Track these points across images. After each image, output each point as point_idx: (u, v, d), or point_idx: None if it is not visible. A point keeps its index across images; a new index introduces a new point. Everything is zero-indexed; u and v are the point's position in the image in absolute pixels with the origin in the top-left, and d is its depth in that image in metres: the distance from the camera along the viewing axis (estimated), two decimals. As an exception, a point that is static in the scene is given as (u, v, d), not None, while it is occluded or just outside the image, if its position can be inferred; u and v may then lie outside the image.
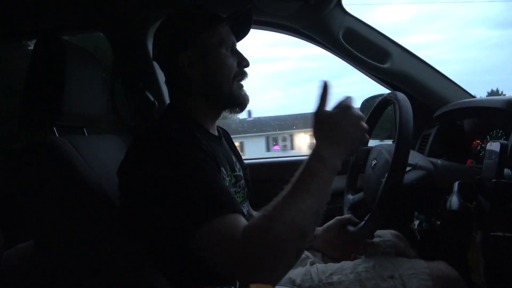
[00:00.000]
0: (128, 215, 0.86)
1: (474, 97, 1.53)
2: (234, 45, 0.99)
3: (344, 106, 0.80)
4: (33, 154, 0.90)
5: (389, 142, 1.52)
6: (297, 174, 0.74)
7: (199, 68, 0.93)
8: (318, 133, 0.80)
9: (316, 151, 0.77)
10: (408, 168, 0.96)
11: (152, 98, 1.51)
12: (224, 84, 0.94)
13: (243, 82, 0.99)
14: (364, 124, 0.81)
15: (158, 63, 1.02)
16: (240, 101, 0.98)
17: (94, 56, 1.17)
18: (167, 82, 1.02)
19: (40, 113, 0.99)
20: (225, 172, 0.91)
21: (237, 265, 0.66)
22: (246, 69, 0.99)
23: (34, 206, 0.89)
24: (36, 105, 0.98)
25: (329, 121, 0.79)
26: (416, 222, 1.24)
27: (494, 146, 0.80)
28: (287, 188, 0.73)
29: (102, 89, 1.20)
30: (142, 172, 0.78)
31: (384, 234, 1.20)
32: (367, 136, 0.84)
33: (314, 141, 0.79)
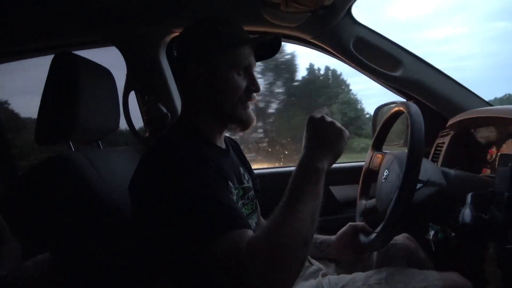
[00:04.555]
0: (139, 228, 0.87)
1: (490, 104, 1.50)
2: (250, 67, 0.97)
3: (329, 118, 0.87)
4: (49, 169, 0.93)
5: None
6: (290, 183, 0.78)
7: (204, 83, 0.93)
8: (310, 136, 0.84)
9: (306, 158, 0.81)
10: (419, 185, 0.95)
11: (165, 110, 1.53)
12: (226, 104, 0.94)
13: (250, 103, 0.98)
14: (346, 137, 0.87)
15: (171, 68, 1.02)
16: (242, 121, 0.96)
17: (108, 70, 1.20)
18: (179, 90, 1.03)
19: (56, 128, 1.02)
20: (232, 185, 0.91)
21: (244, 279, 0.67)
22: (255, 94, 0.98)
23: (49, 219, 0.92)
24: (53, 120, 1.02)
25: (321, 125, 0.84)
26: (431, 233, 1.23)
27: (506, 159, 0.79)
28: (284, 198, 0.76)
29: (115, 103, 1.23)
30: (151, 188, 0.79)
31: (395, 237, 1.19)
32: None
33: (304, 147, 0.84)
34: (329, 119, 0.85)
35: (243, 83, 0.94)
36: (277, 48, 1.03)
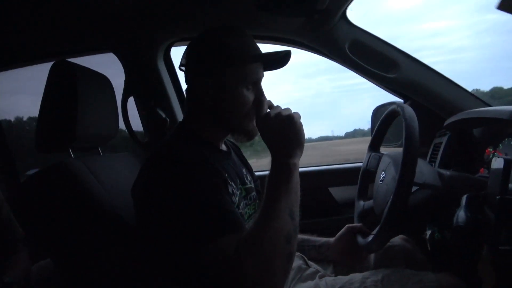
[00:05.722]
0: (141, 232, 0.89)
1: (488, 104, 1.50)
2: (259, 81, 0.96)
3: (273, 111, 0.85)
4: (48, 177, 0.94)
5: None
6: (265, 185, 0.79)
7: (212, 96, 0.93)
8: (266, 138, 0.85)
9: (273, 159, 0.82)
10: (414, 188, 0.95)
11: (163, 115, 1.55)
12: (234, 118, 0.95)
13: None
14: (297, 119, 0.84)
15: (169, 74, 1.02)
16: (248, 133, 0.97)
17: (105, 77, 1.21)
18: (186, 97, 1.03)
19: (55, 136, 1.03)
20: (234, 186, 0.93)
21: (235, 281, 0.69)
22: None
23: (49, 226, 0.93)
24: (52, 128, 1.03)
25: (269, 124, 0.84)
26: (428, 232, 1.24)
27: (498, 162, 0.79)
28: (263, 199, 0.78)
29: (114, 109, 1.25)
30: (152, 192, 0.82)
31: (393, 239, 1.20)
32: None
33: (269, 149, 0.84)
34: (273, 112, 0.84)
35: (251, 97, 0.94)
36: (285, 61, 1.02)
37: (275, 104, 0.92)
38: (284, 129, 0.83)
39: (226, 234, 0.73)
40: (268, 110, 0.87)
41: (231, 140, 1.16)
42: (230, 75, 0.92)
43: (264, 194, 0.79)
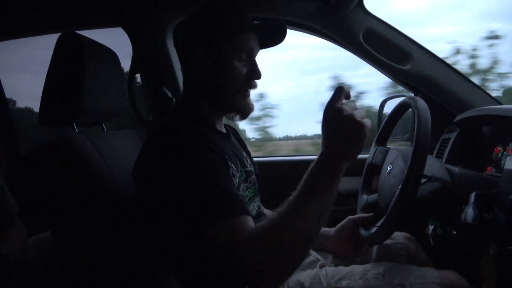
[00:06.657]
0: (143, 214, 0.88)
1: (499, 103, 1.48)
2: (252, 53, 0.96)
3: (348, 110, 0.76)
4: (51, 151, 0.92)
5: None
6: (304, 178, 0.75)
7: (206, 69, 0.92)
8: (327, 131, 0.77)
9: (323, 155, 0.75)
10: (423, 180, 0.94)
11: (169, 94, 1.52)
12: (227, 92, 0.94)
13: (251, 91, 0.97)
14: (367, 130, 0.76)
15: (177, 53, 1.01)
16: (241, 110, 0.96)
17: (113, 52, 1.18)
18: (183, 77, 1.02)
19: (60, 110, 1.01)
20: (235, 168, 0.91)
21: (241, 267, 0.68)
22: (256, 81, 0.96)
23: (51, 200, 0.92)
24: (56, 102, 1.01)
25: (338, 119, 0.75)
26: (431, 228, 1.23)
27: (512, 161, 0.78)
28: (295, 193, 0.74)
29: (120, 86, 1.22)
30: (153, 172, 0.80)
31: (396, 237, 1.19)
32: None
33: (324, 142, 0.77)
34: (347, 112, 0.74)
35: (243, 70, 0.93)
36: (282, 35, 1.01)
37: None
38: (351, 133, 0.74)
39: (234, 215, 0.72)
40: (344, 101, 0.78)
41: (229, 125, 1.15)
42: (224, 46, 0.91)
43: (299, 187, 0.74)
